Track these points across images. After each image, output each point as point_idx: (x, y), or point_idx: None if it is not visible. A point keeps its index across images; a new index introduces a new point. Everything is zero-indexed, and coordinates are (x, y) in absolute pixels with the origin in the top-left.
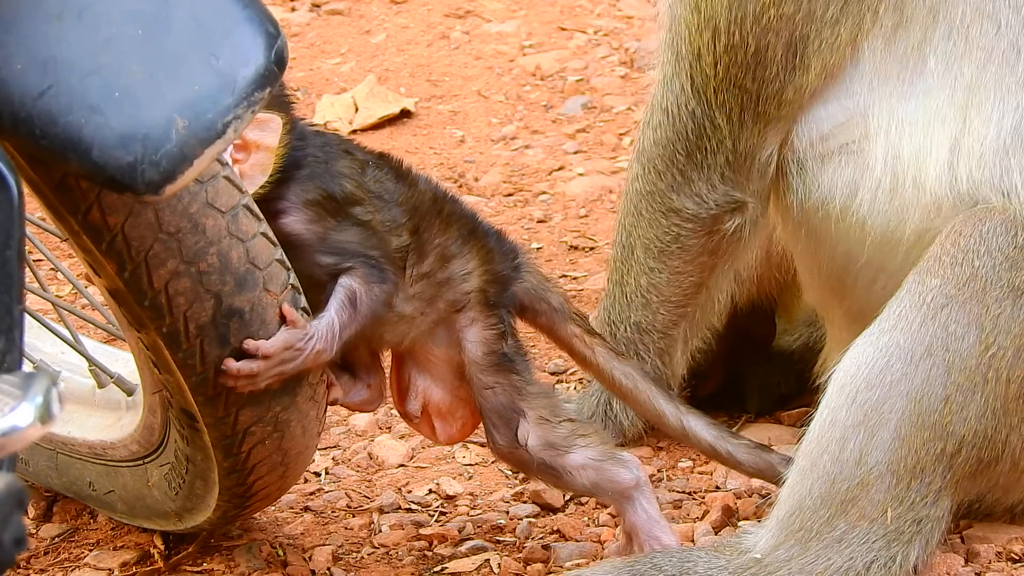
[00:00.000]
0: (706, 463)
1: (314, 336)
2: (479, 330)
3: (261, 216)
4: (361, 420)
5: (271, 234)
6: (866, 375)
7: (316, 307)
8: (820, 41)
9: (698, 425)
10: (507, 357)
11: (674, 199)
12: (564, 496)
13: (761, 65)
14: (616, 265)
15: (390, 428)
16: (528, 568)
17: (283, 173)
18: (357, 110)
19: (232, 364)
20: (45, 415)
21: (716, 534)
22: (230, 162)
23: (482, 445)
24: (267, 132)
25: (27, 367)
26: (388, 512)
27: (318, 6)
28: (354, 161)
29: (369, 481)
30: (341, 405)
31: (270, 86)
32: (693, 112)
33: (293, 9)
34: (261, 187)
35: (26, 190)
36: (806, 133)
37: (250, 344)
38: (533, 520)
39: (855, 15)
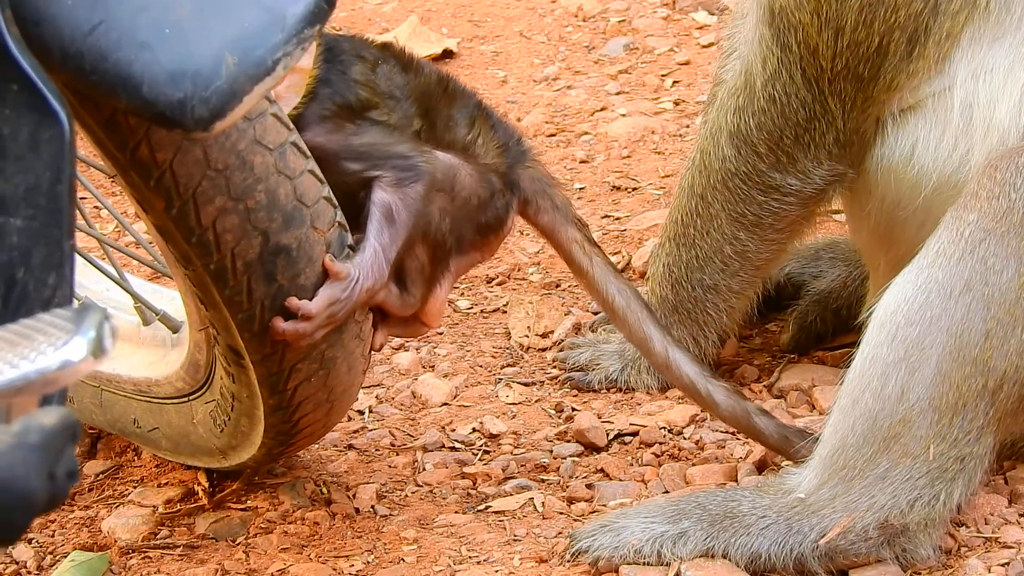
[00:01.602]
0: None
1: (359, 278)
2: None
3: (308, 153)
4: (404, 359)
5: (318, 171)
6: (906, 312)
7: (356, 215)
8: (940, 32)
9: (682, 359)
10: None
11: (776, 177)
12: (607, 435)
13: (881, 57)
14: (684, 230)
15: (433, 367)
16: (572, 507)
17: (312, 91)
18: None
19: (279, 324)
20: (98, 349)
21: (760, 474)
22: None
23: (526, 384)
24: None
25: (74, 304)
26: (432, 451)
27: None
28: (365, 64)
29: (413, 420)
30: (392, 336)
31: (320, 23)
32: (804, 100)
33: None
34: (295, 108)
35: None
36: (900, 102)
37: (293, 303)
38: (576, 459)
39: (973, 1)
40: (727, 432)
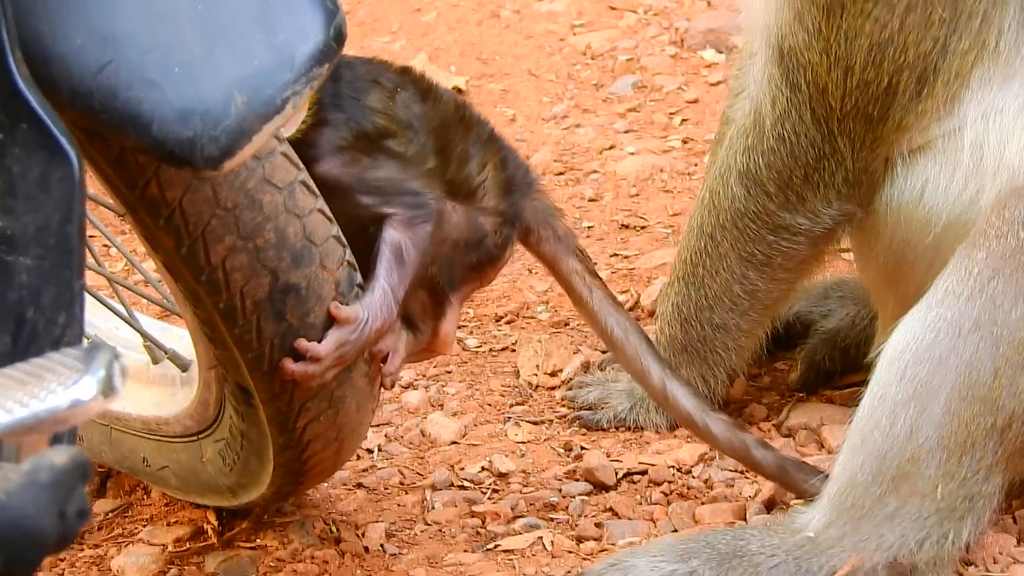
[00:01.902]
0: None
1: (368, 319)
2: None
3: (317, 192)
4: (413, 397)
5: (327, 210)
6: (915, 350)
7: (365, 249)
8: (949, 72)
9: (680, 392)
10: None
11: (786, 217)
12: (616, 474)
13: (890, 96)
14: (693, 269)
15: (442, 406)
16: (581, 546)
17: (317, 116)
18: None
19: (289, 365)
20: (108, 389)
21: (769, 513)
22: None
23: (535, 423)
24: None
25: (84, 342)
26: (441, 489)
27: None
28: (383, 91)
29: (422, 458)
30: (408, 363)
31: (328, 62)
32: (813, 140)
33: None
34: (295, 132)
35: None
36: (909, 141)
37: (302, 345)
38: (586, 498)
39: (981, 41)
40: (736, 471)
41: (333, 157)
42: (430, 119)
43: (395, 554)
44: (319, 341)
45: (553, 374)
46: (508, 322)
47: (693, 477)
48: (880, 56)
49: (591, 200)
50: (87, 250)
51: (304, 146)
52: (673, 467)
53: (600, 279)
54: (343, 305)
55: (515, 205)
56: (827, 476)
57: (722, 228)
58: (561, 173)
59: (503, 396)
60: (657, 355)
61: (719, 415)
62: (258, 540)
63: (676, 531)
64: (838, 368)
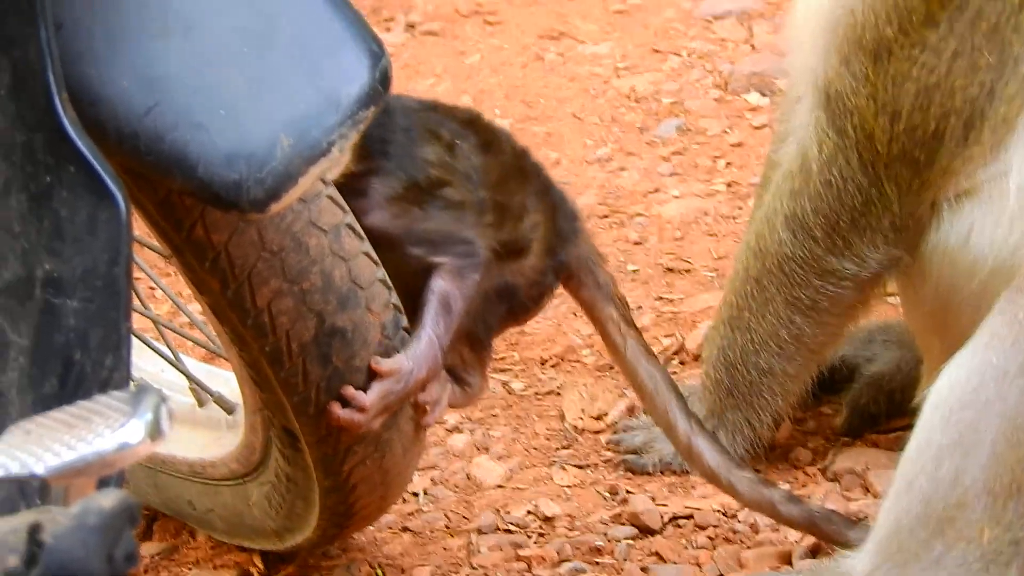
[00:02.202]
0: (803, 486)
1: (413, 369)
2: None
3: (363, 235)
4: (459, 441)
5: (373, 253)
6: (960, 395)
7: (412, 296)
8: (996, 117)
9: (705, 447)
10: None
11: (832, 262)
12: (662, 518)
13: (937, 141)
14: (739, 313)
15: (488, 449)
16: None
17: (365, 163)
18: None
19: (336, 411)
20: (155, 432)
21: (814, 558)
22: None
23: (580, 467)
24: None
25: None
26: (486, 533)
27: (413, 26)
28: (440, 142)
29: (467, 502)
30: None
31: (374, 105)
32: (860, 185)
33: (388, 29)
34: (340, 176)
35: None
36: (955, 186)
37: (348, 393)
38: (631, 542)
39: None
40: None
41: (381, 209)
42: (490, 172)
43: None
44: (365, 385)
45: (598, 418)
46: (553, 365)
47: (739, 521)
48: (927, 101)
49: (635, 243)
50: (133, 293)
51: (353, 196)
52: (719, 511)
53: (636, 328)
54: (387, 356)
55: (561, 246)
56: (859, 524)
57: (768, 273)
58: (605, 216)
59: (548, 440)
60: (686, 409)
61: (744, 472)
62: None
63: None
64: (883, 412)
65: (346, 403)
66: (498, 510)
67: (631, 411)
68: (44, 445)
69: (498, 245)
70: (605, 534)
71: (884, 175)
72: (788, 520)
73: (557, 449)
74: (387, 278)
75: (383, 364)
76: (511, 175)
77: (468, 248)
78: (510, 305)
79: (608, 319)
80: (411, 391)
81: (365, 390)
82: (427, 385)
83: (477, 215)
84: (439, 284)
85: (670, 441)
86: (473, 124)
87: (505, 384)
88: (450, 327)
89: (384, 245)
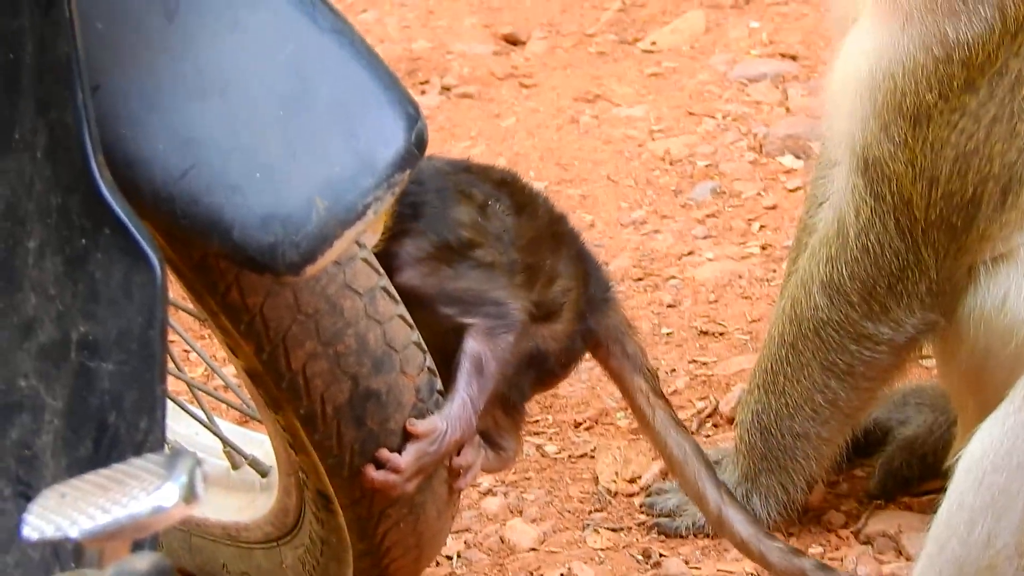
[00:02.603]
0: (836, 548)
1: (447, 431)
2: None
3: (398, 298)
4: (492, 504)
5: (408, 316)
6: (992, 457)
7: (445, 357)
8: None
9: (735, 517)
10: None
11: (869, 326)
12: None
13: (975, 206)
14: (774, 378)
15: (521, 512)
16: None
17: (398, 224)
18: None
19: (371, 473)
20: (190, 495)
21: None
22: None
23: (614, 530)
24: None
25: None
26: None
27: (448, 89)
28: (472, 203)
29: (501, 565)
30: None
31: (410, 168)
32: (897, 250)
33: (424, 91)
34: (375, 245)
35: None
36: (992, 250)
37: (383, 455)
38: None
39: None
40: None
41: (412, 267)
42: (522, 234)
43: None
44: (400, 448)
45: (632, 481)
46: (587, 428)
47: None
48: (965, 167)
49: (670, 306)
50: (168, 355)
51: (385, 255)
52: (752, 574)
53: (664, 398)
54: (421, 419)
55: (592, 315)
56: None
57: (804, 337)
58: (640, 279)
59: (582, 503)
60: (715, 479)
61: (775, 542)
62: None
63: None
64: (916, 475)
65: (381, 465)
66: (531, 573)
67: (664, 474)
68: (79, 508)
69: (531, 305)
70: None
71: (921, 240)
72: None
73: (591, 512)
74: (422, 341)
75: (418, 425)
76: (544, 238)
77: (500, 309)
78: (540, 370)
79: (637, 390)
80: (446, 453)
81: (400, 452)
82: (461, 448)
83: (508, 276)
84: (471, 345)
85: (700, 510)
86: (507, 185)
87: (539, 447)
88: (484, 389)
89: (416, 304)
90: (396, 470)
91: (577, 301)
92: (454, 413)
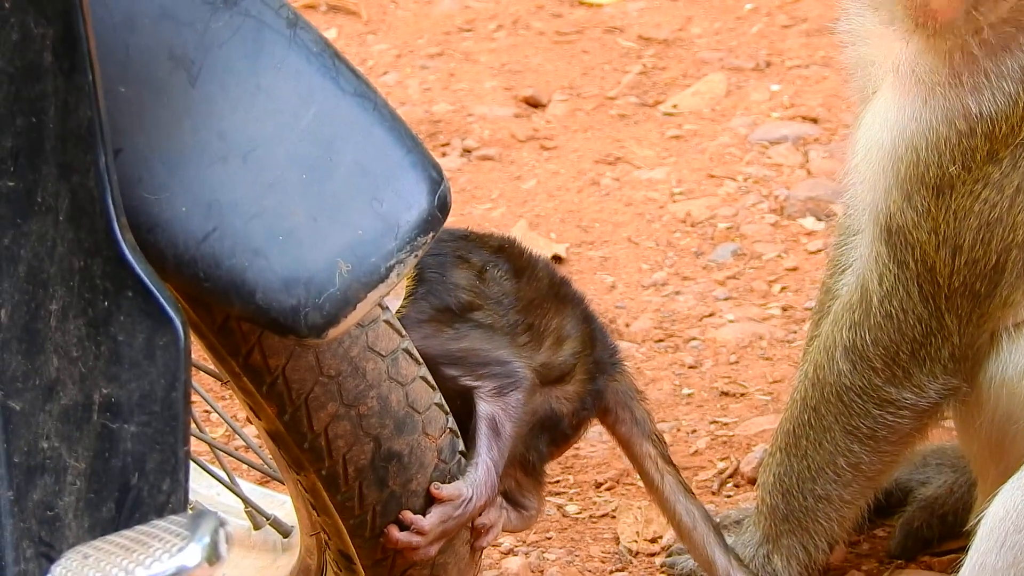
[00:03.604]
0: None
1: (472, 497)
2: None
3: (420, 359)
4: (513, 564)
5: (430, 378)
6: (1015, 519)
7: (457, 418)
8: None
9: None
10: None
11: (891, 392)
12: None
13: (998, 274)
14: (796, 441)
15: (542, 572)
16: None
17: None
18: None
19: (394, 534)
20: (213, 555)
21: None
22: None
23: None
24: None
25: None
26: None
27: (469, 151)
28: (470, 269)
29: None
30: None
31: (433, 231)
32: (920, 316)
33: (444, 154)
34: (396, 311)
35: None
36: (1015, 316)
37: (408, 517)
38: None
39: None
40: None
41: (415, 330)
42: (522, 296)
43: None
44: (422, 509)
45: (653, 540)
46: (608, 488)
47: None
48: (989, 235)
49: (691, 367)
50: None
51: None
52: None
53: (673, 464)
54: (443, 481)
55: (599, 380)
56: None
57: (826, 401)
58: (661, 340)
59: (603, 562)
60: (724, 545)
61: None
62: None
63: None
64: (936, 535)
65: (405, 527)
66: None
67: None
68: (102, 569)
69: (539, 367)
70: None
71: (945, 307)
72: None
73: (612, 572)
74: (443, 402)
75: (443, 490)
76: (546, 300)
77: (505, 368)
78: (554, 432)
79: (646, 456)
80: (470, 518)
81: (423, 514)
82: (485, 509)
83: (510, 337)
84: (484, 408)
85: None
86: (505, 251)
87: (560, 507)
88: (503, 450)
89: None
90: (420, 532)
91: (587, 362)
92: (479, 478)
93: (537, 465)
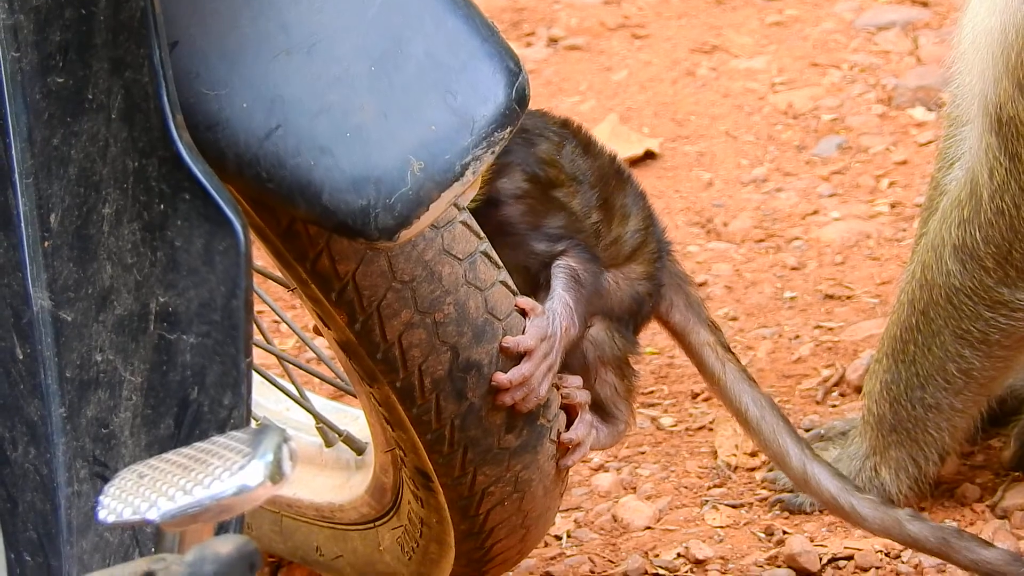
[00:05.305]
0: (971, 524)
1: (556, 315)
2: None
3: (500, 263)
4: (604, 480)
5: (511, 282)
6: None
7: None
8: None
9: (822, 474)
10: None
11: (1004, 293)
12: (821, 560)
13: None
14: (904, 346)
15: (635, 489)
16: None
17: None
18: None
19: (502, 376)
20: (276, 474)
21: None
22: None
23: (734, 506)
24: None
25: (251, 424)
26: None
27: (556, 41)
28: (551, 144)
29: (613, 544)
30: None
31: (511, 126)
32: None
33: (529, 44)
34: (472, 200)
35: (252, 236)
36: None
37: (509, 341)
38: None
39: None
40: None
41: (511, 203)
42: (593, 171)
43: None
44: (503, 424)
45: (753, 454)
46: (705, 399)
47: (902, 562)
48: None
49: (793, 268)
50: (255, 327)
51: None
52: (881, 552)
53: (733, 353)
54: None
55: (664, 268)
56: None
57: (935, 304)
58: (761, 240)
59: (700, 478)
60: (795, 435)
61: (865, 496)
62: None
63: None
64: None
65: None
66: (646, 553)
67: None
68: (158, 489)
69: (611, 243)
70: None
71: None
72: (918, 541)
73: (709, 488)
74: None
75: (527, 300)
76: (610, 177)
77: (583, 245)
78: (637, 318)
79: (704, 344)
80: (562, 344)
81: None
82: (572, 344)
83: (585, 219)
84: (565, 262)
85: (782, 470)
86: (569, 127)
87: (654, 419)
88: (581, 298)
89: (512, 242)
90: (527, 350)
91: (651, 240)
92: (557, 305)
93: (630, 364)
